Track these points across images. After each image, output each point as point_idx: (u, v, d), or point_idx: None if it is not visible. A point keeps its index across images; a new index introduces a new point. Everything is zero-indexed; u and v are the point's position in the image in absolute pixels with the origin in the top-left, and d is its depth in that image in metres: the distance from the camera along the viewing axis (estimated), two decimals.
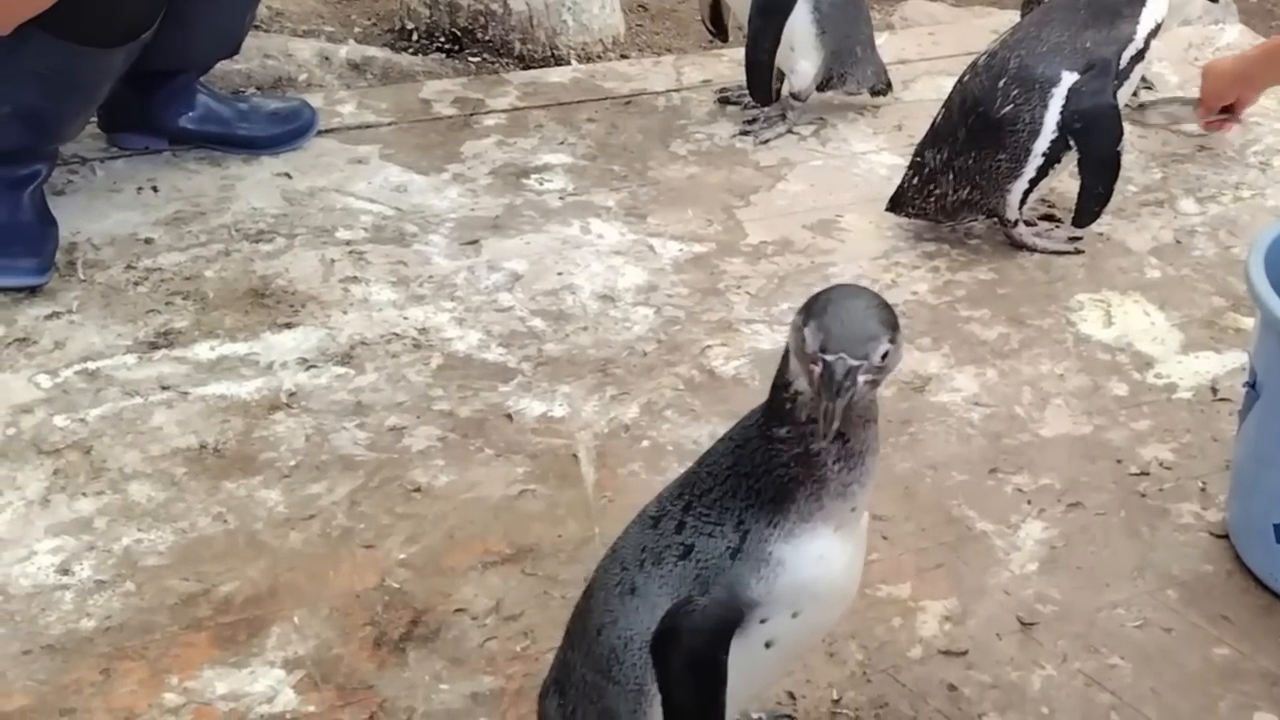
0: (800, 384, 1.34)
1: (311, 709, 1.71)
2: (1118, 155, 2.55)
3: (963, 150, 2.57)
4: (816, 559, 1.38)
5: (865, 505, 1.43)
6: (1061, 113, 2.51)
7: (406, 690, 1.74)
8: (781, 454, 1.36)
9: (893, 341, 1.31)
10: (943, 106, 2.64)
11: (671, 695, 1.41)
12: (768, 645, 1.41)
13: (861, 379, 1.29)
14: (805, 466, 1.36)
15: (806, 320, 1.30)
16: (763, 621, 1.39)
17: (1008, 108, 2.51)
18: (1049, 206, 2.77)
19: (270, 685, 1.74)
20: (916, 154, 2.66)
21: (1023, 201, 2.60)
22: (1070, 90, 2.50)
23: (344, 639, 1.80)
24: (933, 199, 2.62)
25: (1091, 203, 2.59)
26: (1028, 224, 2.66)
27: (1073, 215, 2.63)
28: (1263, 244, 1.88)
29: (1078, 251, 2.64)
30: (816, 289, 2.44)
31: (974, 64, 2.62)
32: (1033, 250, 2.64)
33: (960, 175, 2.58)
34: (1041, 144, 2.52)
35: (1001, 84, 2.52)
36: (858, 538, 1.45)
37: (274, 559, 1.92)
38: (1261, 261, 1.85)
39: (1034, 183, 2.57)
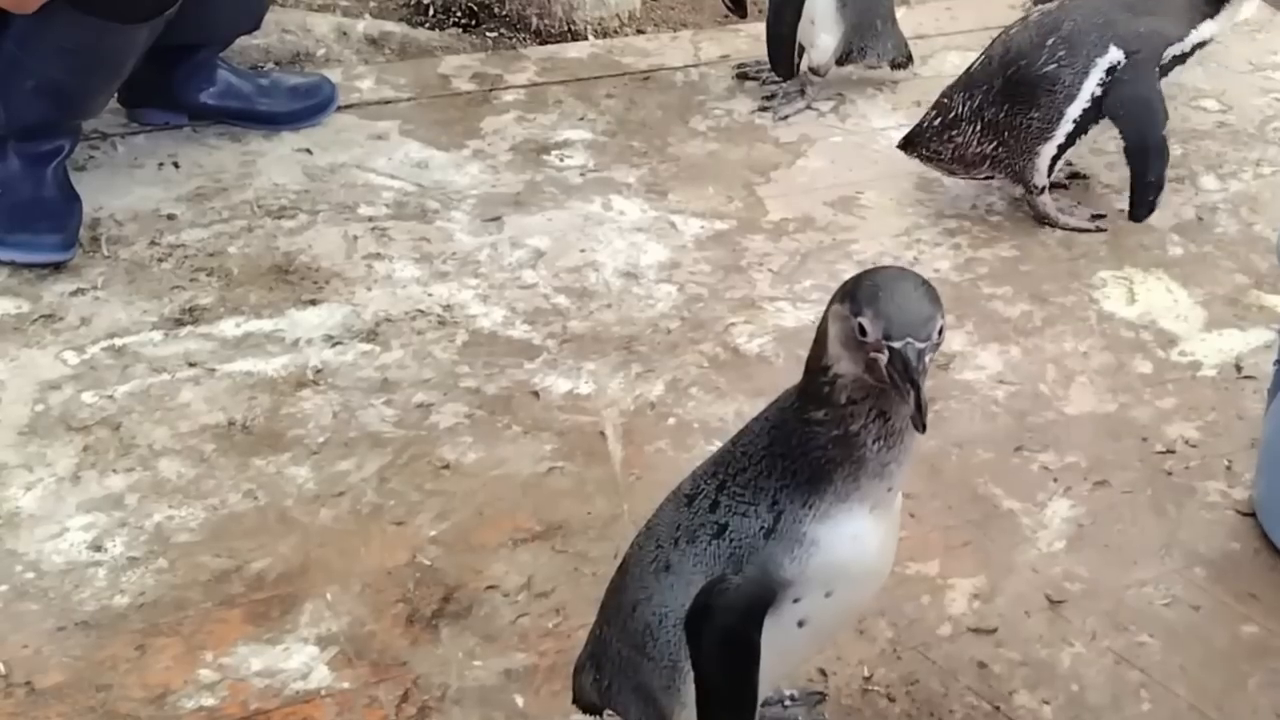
0: (841, 367, 1.33)
1: (346, 685, 1.72)
2: (1164, 139, 2.53)
3: (995, 101, 2.55)
4: (851, 539, 1.39)
5: (901, 485, 1.43)
6: (1100, 85, 2.50)
7: (440, 667, 1.75)
8: (819, 436, 1.36)
9: (943, 316, 1.32)
10: (982, 53, 2.62)
11: (704, 672, 1.42)
12: (800, 624, 1.42)
13: (928, 359, 1.29)
14: (844, 448, 1.36)
15: (858, 309, 1.29)
16: (796, 601, 1.40)
17: (1050, 66, 2.50)
18: (1069, 165, 2.78)
19: (304, 661, 1.75)
20: (944, 95, 2.63)
21: (1051, 167, 2.58)
22: (1111, 71, 2.49)
23: (376, 616, 1.81)
24: (951, 144, 2.60)
25: (1146, 192, 2.56)
26: (1054, 197, 2.66)
27: (1129, 209, 2.59)
28: None
29: (1099, 229, 2.64)
30: (839, 267, 2.51)
31: (1024, 17, 2.61)
32: (1054, 225, 2.64)
33: (988, 127, 2.56)
34: (1075, 110, 2.51)
35: (1050, 41, 2.51)
36: (892, 517, 1.45)
37: (305, 536, 1.93)
38: None
39: (1063, 148, 2.56)
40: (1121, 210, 2.69)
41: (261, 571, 1.88)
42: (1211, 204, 2.74)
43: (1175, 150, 2.90)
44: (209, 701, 1.70)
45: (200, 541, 1.92)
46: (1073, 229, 2.63)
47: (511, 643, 1.78)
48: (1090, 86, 2.50)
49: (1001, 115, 2.54)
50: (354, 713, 1.69)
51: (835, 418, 1.35)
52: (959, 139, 2.58)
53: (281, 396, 2.17)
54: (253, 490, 2.00)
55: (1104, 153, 2.88)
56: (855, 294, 1.31)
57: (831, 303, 1.34)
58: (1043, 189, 2.61)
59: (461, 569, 1.88)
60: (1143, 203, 2.58)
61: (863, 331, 1.29)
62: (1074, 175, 2.78)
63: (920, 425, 1.30)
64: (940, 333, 1.30)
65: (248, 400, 2.16)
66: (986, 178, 2.66)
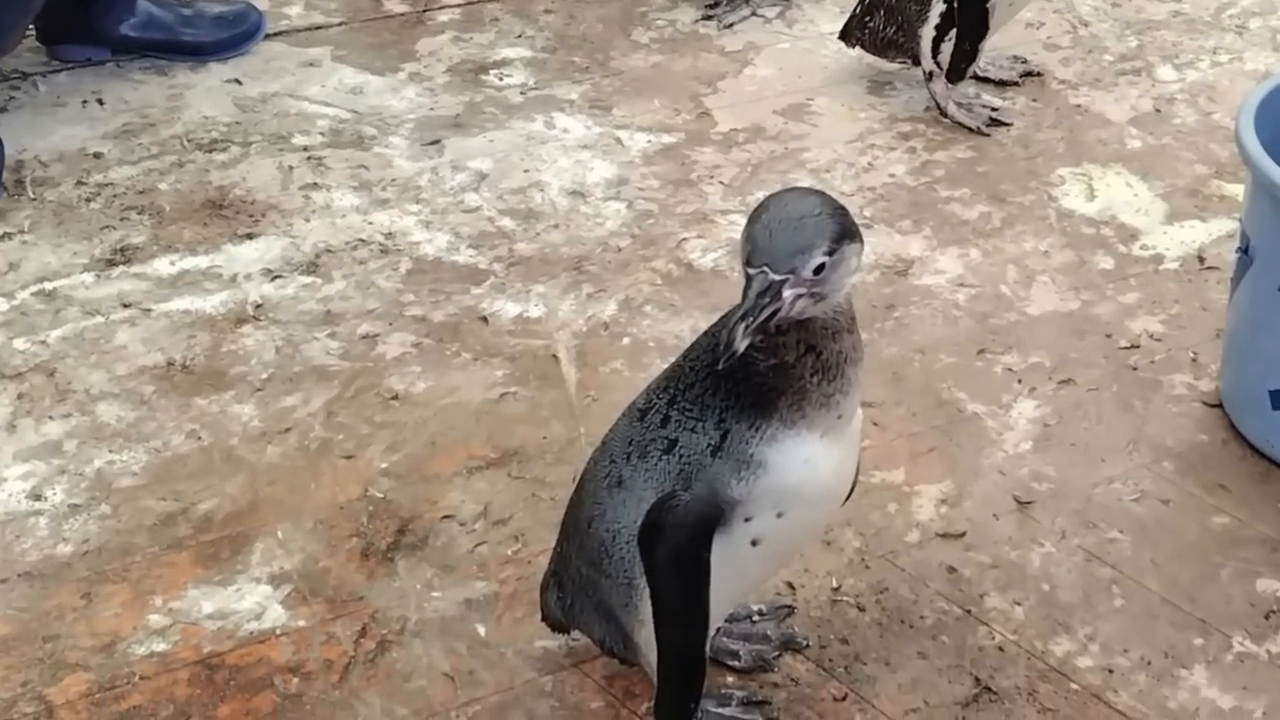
0: None
1: (302, 623, 1.67)
2: (984, 11, 2.49)
3: None
4: (802, 463, 1.35)
5: (853, 412, 1.38)
6: None
7: (398, 599, 1.70)
8: (758, 363, 1.31)
9: (831, 254, 1.25)
10: None
11: (656, 588, 1.39)
12: (754, 544, 1.39)
13: (789, 294, 1.24)
14: (783, 378, 1.32)
15: (746, 227, 1.26)
16: (747, 520, 1.37)
17: None
18: (1023, 62, 2.73)
19: (258, 601, 1.70)
20: None
21: (935, 50, 2.56)
22: None
23: (330, 551, 1.76)
24: (867, 31, 2.67)
25: (958, 58, 2.55)
26: (977, 97, 2.64)
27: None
28: (1252, 105, 1.83)
29: (983, 134, 2.55)
30: (792, 176, 2.46)
31: None
32: (943, 114, 2.59)
33: (889, 12, 2.61)
34: None
35: None
36: (848, 440, 1.41)
37: (252, 474, 1.87)
38: (1252, 124, 1.80)
39: (940, 30, 2.54)
40: (1078, 105, 2.65)
41: (209, 512, 1.82)
42: (1169, 95, 2.69)
43: (1131, 42, 2.86)
44: (160, 647, 1.65)
45: (144, 485, 1.85)
46: (959, 123, 2.58)
47: (470, 572, 1.73)
48: None
49: (895, 0, 2.59)
50: (311, 650, 1.64)
51: (769, 345, 1.30)
52: (872, 25, 2.65)
53: (221, 334, 2.10)
54: (196, 431, 1.93)
55: (1058, 48, 2.84)
56: (753, 212, 1.27)
57: None
58: (930, 75, 2.59)
59: (416, 500, 1.83)
60: (954, 69, 2.57)
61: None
62: (1028, 73, 2.72)
63: (721, 352, 1.25)
64: (819, 270, 1.24)
65: (186, 339, 2.08)
66: (901, 63, 2.66)
